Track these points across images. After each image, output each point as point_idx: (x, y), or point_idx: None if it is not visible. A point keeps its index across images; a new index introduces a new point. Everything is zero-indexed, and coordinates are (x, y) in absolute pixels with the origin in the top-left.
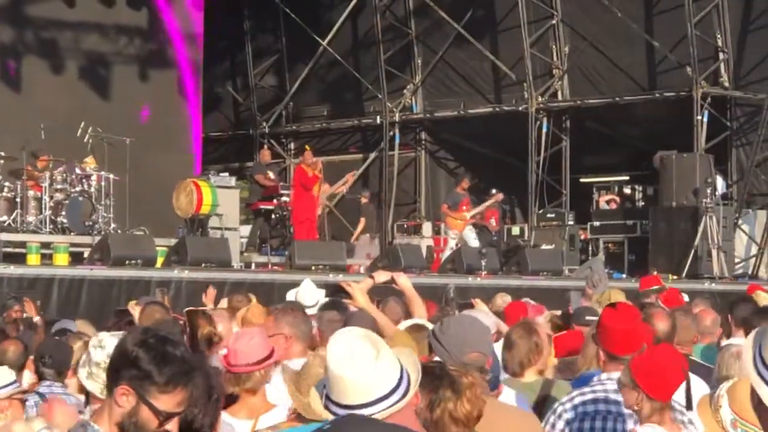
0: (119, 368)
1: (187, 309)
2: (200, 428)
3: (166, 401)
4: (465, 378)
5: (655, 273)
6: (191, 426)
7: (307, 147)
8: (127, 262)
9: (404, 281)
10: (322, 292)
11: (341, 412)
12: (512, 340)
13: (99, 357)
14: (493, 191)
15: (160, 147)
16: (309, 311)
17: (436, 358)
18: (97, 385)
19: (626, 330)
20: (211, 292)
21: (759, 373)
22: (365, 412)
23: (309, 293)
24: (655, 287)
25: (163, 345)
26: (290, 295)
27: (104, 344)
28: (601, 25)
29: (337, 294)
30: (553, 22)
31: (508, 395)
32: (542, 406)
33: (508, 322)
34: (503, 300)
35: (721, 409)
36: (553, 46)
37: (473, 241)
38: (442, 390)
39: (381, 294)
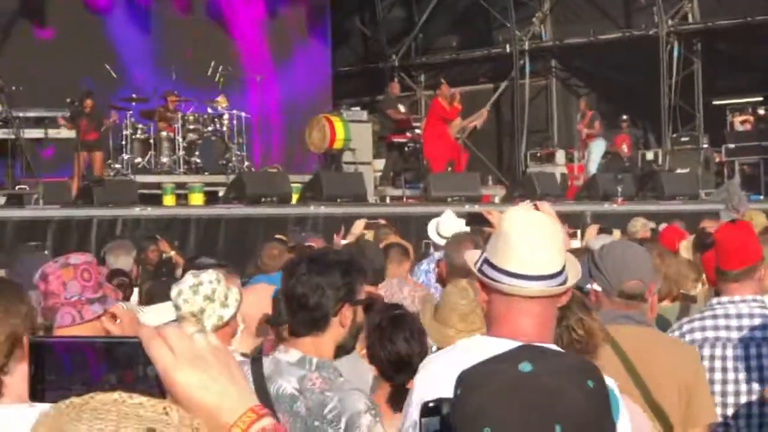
0: (325, 300)
1: None
2: None
3: (363, 290)
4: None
5: None
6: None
7: (443, 80)
8: (262, 199)
9: (548, 208)
10: (462, 222)
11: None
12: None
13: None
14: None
15: (291, 83)
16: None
17: (595, 285)
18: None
19: (740, 241)
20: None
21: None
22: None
23: (450, 223)
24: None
25: (324, 254)
26: (431, 226)
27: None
28: None
29: (477, 223)
30: None
31: None
32: None
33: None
34: (641, 224)
35: None
36: None
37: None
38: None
39: None
